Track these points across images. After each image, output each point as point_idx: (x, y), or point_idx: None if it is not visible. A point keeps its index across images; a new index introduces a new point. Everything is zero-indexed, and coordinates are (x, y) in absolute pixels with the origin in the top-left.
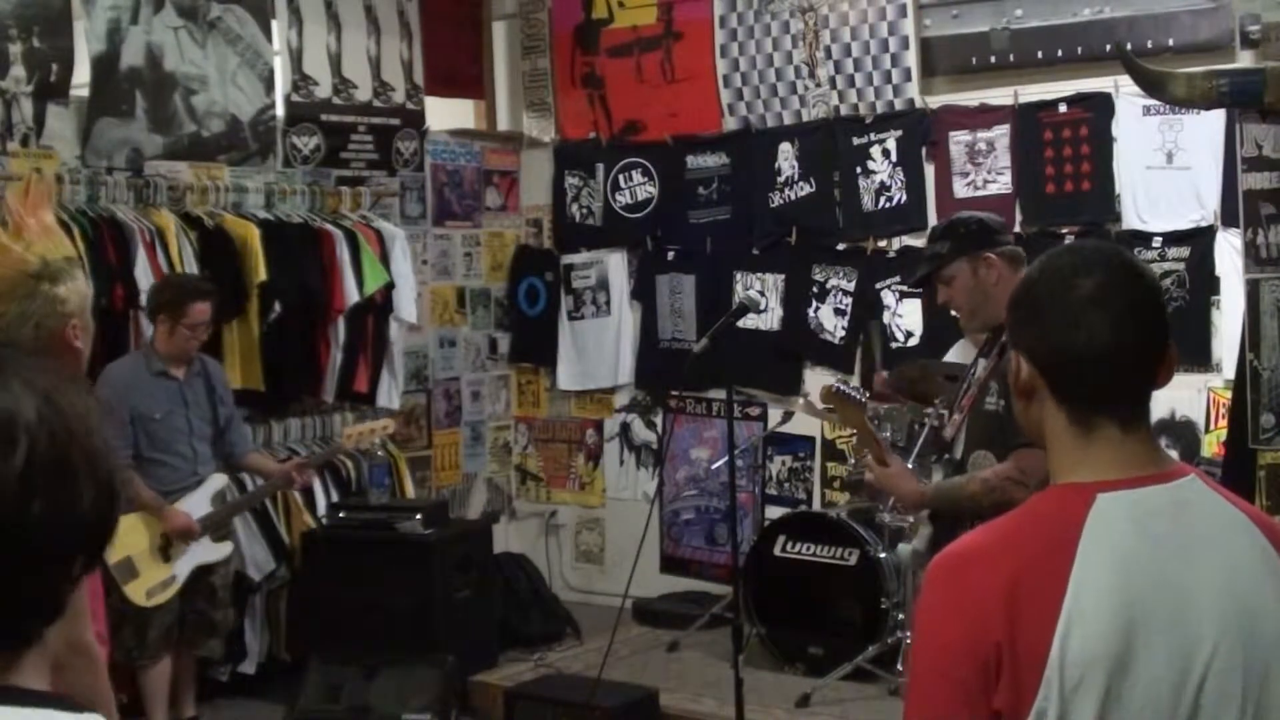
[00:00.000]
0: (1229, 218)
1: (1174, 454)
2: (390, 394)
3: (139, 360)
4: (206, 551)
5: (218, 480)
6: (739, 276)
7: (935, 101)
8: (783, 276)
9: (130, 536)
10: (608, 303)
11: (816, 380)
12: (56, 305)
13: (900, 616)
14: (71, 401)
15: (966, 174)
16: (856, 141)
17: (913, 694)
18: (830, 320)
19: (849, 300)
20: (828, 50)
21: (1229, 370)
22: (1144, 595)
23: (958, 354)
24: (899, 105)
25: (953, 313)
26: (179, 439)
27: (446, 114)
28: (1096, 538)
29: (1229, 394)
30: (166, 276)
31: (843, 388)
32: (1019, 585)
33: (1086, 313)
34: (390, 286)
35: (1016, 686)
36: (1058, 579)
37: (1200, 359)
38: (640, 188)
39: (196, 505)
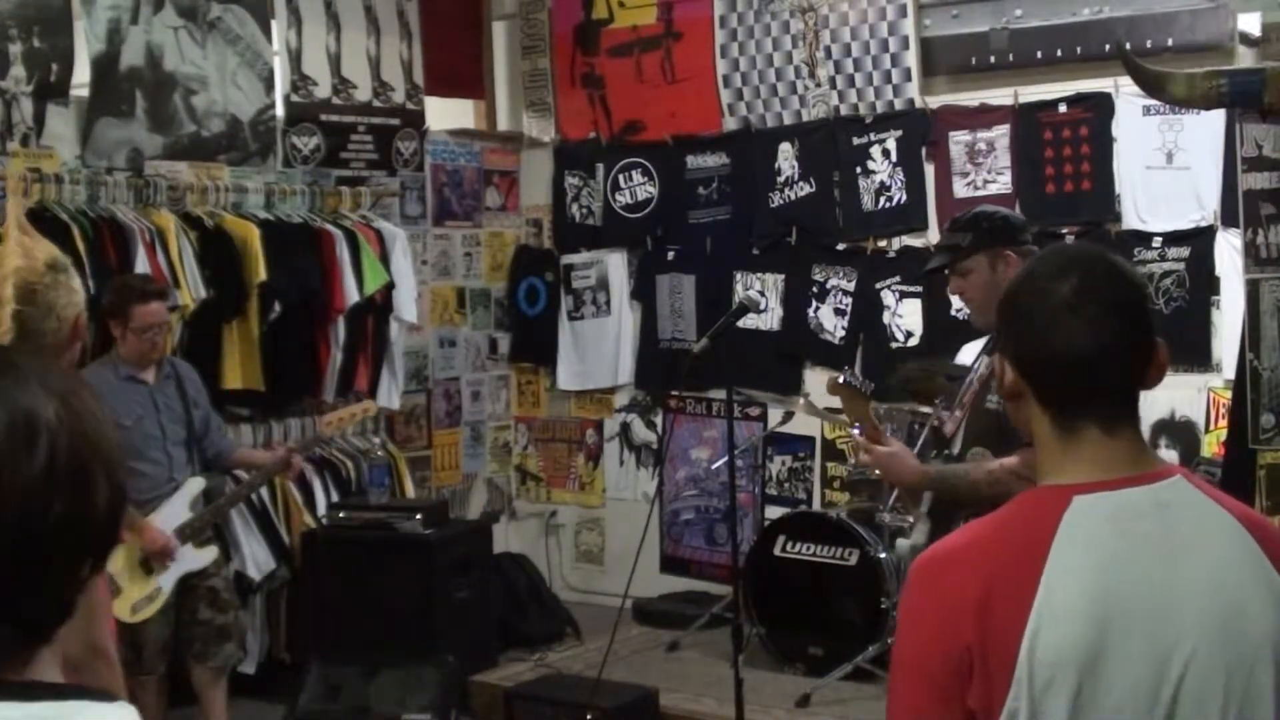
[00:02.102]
0: (1229, 218)
1: (1174, 454)
2: (390, 394)
3: (107, 367)
4: (189, 560)
5: (195, 485)
6: (739, 276)
7: (935, 101)
8: (783, 276)
9: None
10: (608, 303)
11: (816, 380)
12: (72, 295)
13: None
14: (84, 403)
15: (966, 174)
16: (856, 141)
17: (892, 691)
18: (830, 320)
19: (849, 300)
20: (828, 50)
21: (1229, 370)
22: (1118, 596)
23: (969, 356)
24: (899, 105)
25: (954, 310)
26: (152, 445)
27: (446, 114)
28: (1070, 539)
29: (1229, 394)
30: (116, 278)
31: (849, 379)
32: (992, 587)
33: (1063, 317)
34: (390, 286)
35: (988, 687)
36: (1029, 580)
37: (1200, 359)
38: (640, 188)
39: (174, 513)
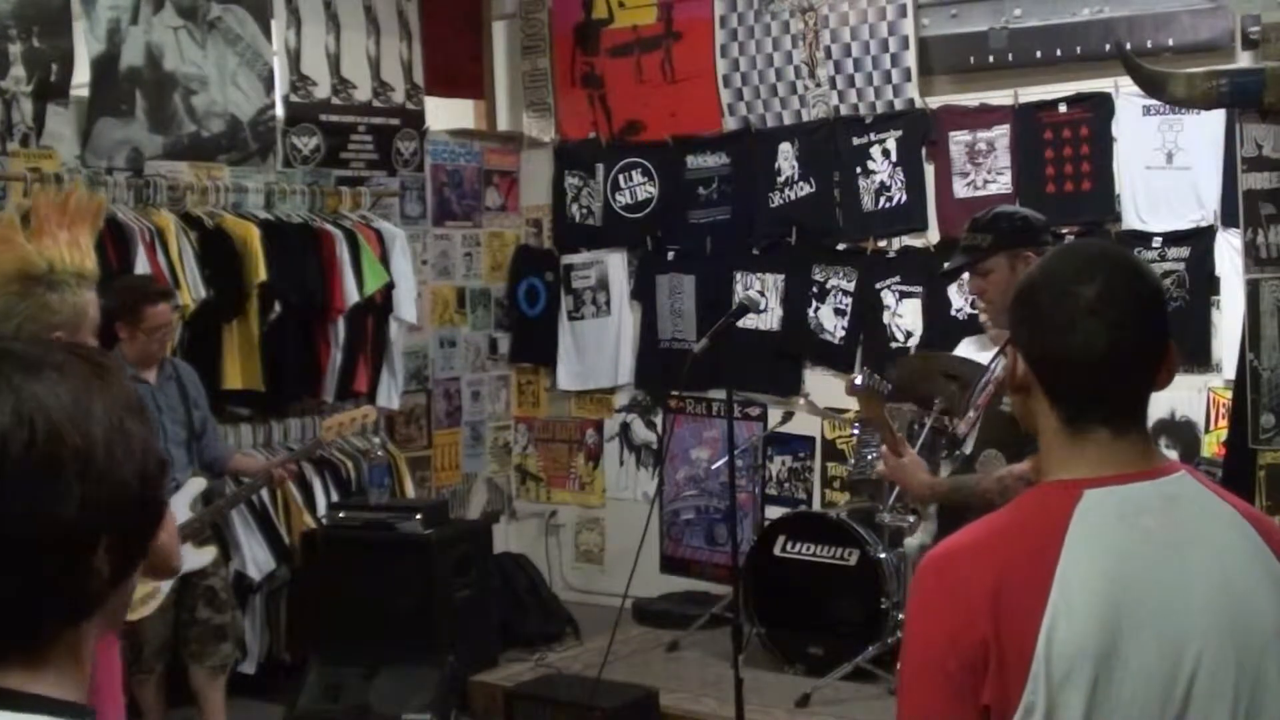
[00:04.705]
0: (1229, 218)
1: (1174, 454)
2: (390, 394)
3: None
4: (189, 559)
5: (195, 485)
6: (739, 276)
7: (935, 101)
8: (783, 276)
9: None
10: (608, 303)
11: (816, 380)
12: (45, 312)
13: (900, 616)
14: (64, 399)
15: (966, 174)
16: (856, 141)
17: (903, 690)
18: (830, 320)
19: (849, 300)
20: (828, 50)
21: (1229, 370)
22: (1131, 589)
23: (965, 352)
24: (899, 105)
25: (954, 310)
26: None
27: (446, 114)
28: (1083, 533)
29: (1229, 394)
30: (121, 280)
31: (868, 381)
32: (1005, 581)
33: (1083, 321)
34: (390, 286)
35: (1004, 681)
36: (1043, 574)
37: (1200, 359)
38: (640, 188)
39: (175, 512)
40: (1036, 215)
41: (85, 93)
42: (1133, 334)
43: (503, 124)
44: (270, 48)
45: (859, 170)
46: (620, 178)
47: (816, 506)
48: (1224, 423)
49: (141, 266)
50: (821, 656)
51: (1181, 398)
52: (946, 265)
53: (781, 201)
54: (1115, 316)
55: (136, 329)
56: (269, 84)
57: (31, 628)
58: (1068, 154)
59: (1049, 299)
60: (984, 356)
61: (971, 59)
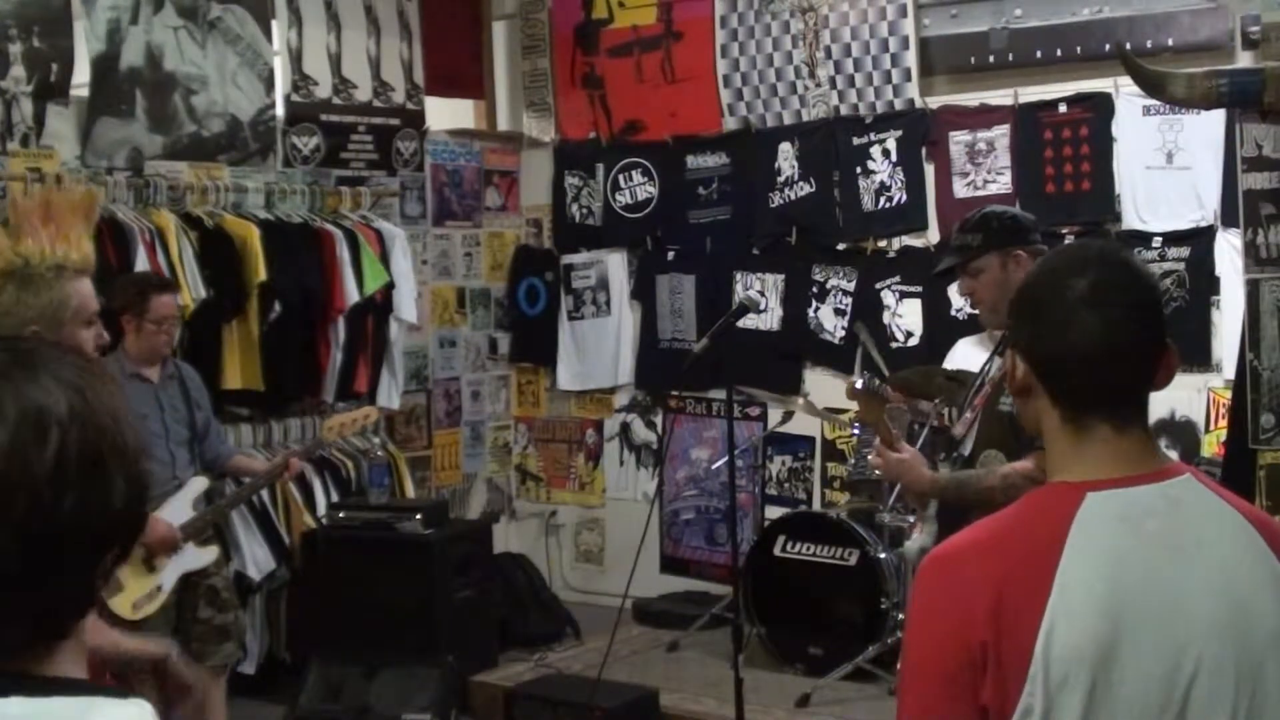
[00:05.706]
0: (1229, 218)
1: (1174, 454)
2: (390, 394)
3: (111, 365)
4: (191, 558)
5: (198, 484)
6: (739, 276)
7: (935, 101)
8: (783, 276)
9: None
10: (608, 303)
11: (817, 380)
12: (20, 307)
13: (900, 616)
14: (100, 395)
15: (966, 174)
16: (856, 141)
17: (903, 689)
18: (830, 320)
19: (849, 300)
20: (828, 50)
21: (1229, 370)
22: (1132, 592)
23: (963, 352)
24: (899, 105)
25: (954, 310)
26: (155, 444)
27: (446, 114)
28: (1084, 536)
29: (1229, 394)
30: (124, 275)
31: (868, 384)
32: (1006, 583)
33: (1078, 314)
34: (390, 286)
35: (1002, 683)
36: (1044, 577)
37: (1200, 359)
38: (640, 188)
39: (177, 511)
40: (1025, 214)
41: (85, 93)
42: (1128, 327)
43: (503, 124)
44: (270, 48)
45: (859, 170)
46: (620, 178)
47: (816, 506)
48: (1224, 423)
49: (141, 266)
50: (821, 656)
51: (1181, 398)
52: (938, 266)
53: (781, 201)
54: (1111, 310)
55: (143, 320)
56: (269, 84)
57: (64, 620)
58: (1068, 154)
59: (1045, 296)
60: (982, 356)
61: (971, 59)
